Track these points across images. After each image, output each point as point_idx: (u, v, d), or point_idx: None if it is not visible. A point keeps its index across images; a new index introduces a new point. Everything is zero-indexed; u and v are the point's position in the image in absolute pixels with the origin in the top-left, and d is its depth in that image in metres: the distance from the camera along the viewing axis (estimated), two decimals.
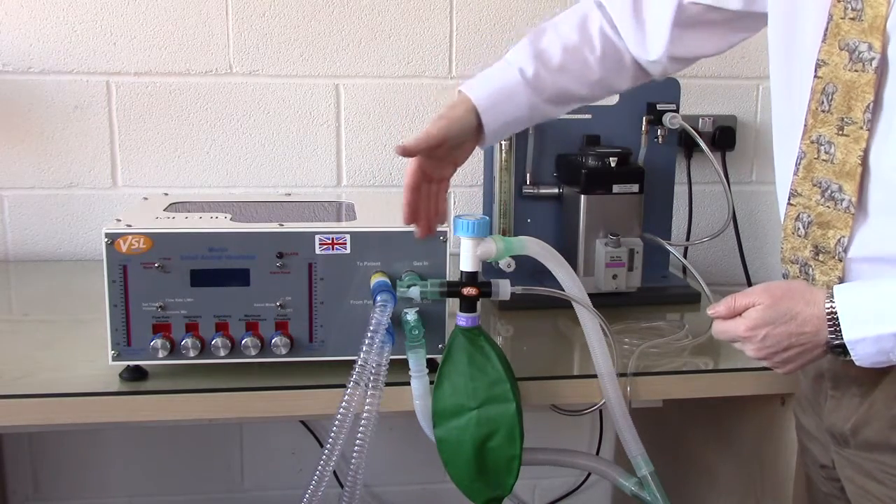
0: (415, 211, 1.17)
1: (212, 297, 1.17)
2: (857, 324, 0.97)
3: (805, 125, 1.04)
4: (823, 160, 1.02)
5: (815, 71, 1.01)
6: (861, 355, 0.97)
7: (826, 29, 1.00)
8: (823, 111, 1.01)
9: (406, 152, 1.13)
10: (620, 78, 1.27)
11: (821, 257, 1.04)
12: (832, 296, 0.98)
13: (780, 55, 1.11)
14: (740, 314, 1.03)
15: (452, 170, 1.22)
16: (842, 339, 0.97)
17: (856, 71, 0.97)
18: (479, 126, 1.19)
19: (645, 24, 1.23)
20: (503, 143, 1.56)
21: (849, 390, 1.06)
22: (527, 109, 1.22)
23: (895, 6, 0.93)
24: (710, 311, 1.07)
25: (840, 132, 1.00)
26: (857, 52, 0.97)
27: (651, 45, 1.23)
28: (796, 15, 1.06)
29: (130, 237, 1.14)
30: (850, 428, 1.06)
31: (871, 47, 0.95)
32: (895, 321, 0.95)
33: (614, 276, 1.49)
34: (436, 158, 1.17)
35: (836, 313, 0.98)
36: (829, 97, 1.00)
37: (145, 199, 1.42)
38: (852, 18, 0.97)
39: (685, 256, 1.68)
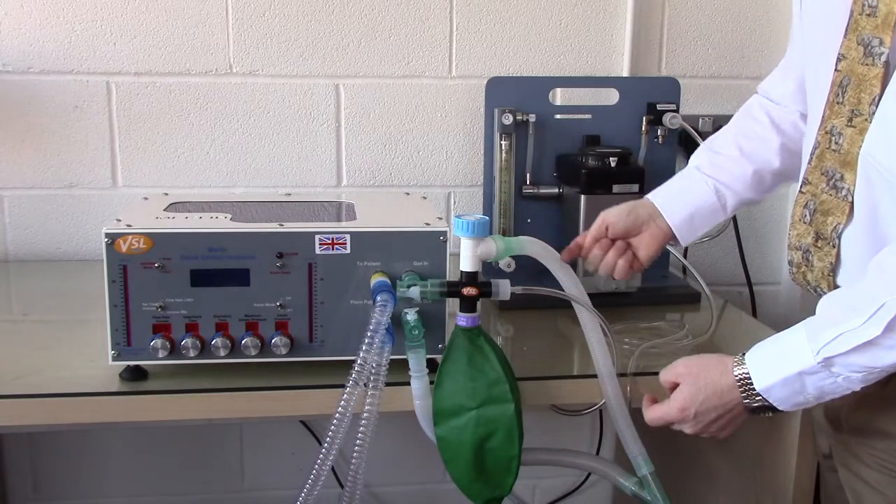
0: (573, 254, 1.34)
1: (212, 297, 1.17)
2: (763, 374, 1.02)
3: (822, 116, 1.06)
4: (833, 150, 1.04)
5: (836, 65, 1.04)
6: (779, 400, 1.02)
7: (847, 24, 1.02)
8: (838, 103, 1.04)
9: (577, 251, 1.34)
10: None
11: (819, 243, 1.07)
12: (742, 360, 1.04)
13: (810, 50, 1.14)
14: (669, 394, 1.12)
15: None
16: (758, 400, 1.03)
17: (866, 65, 1.00)
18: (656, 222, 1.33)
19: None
20: (503, 143, 1.56)
21: None
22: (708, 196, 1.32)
23: None
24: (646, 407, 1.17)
25: (849, 123, 1.02)
26: (869, 47, 0.99)
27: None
28: (824, 10, 1.09)
29: (130, 237, 1.14)
30: (844, 411, 1.07)
31: (881, 42, 0.98)
32: (795, 362, 0.98)
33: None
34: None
35: (747, 375, 1.03)
36: (844, 89, 1.03)
37: (145, 199, 1.42)
38: (868, 14, 1.00)
39: (685, 256, 1.68)
